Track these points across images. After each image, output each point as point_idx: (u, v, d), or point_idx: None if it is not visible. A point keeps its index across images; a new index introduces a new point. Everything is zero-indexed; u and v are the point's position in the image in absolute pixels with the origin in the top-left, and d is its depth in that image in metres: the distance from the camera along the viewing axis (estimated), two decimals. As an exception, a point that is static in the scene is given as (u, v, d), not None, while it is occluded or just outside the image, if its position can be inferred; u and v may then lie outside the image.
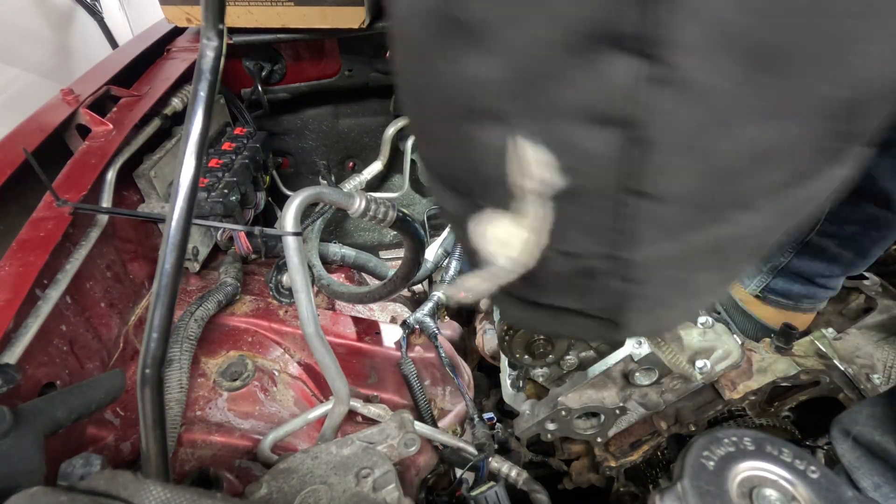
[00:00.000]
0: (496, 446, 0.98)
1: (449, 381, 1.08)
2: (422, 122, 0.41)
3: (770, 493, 0.44)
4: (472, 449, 0.96)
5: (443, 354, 1.05)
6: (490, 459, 0.98)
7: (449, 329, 1.25)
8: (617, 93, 0.28)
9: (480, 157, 0.34)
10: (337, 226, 1.70)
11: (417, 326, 1.09)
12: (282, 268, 1.16)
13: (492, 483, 0.96)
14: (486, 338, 1.28)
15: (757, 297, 1.14)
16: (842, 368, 0.93)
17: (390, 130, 1.47)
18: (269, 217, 1.48)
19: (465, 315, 1.55)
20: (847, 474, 0.66)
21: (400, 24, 0.35)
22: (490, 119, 0.32)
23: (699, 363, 0.90)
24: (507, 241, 0.37)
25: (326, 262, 1.29)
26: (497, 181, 0.34)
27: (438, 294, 1.16)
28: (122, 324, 0.95)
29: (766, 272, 1.11)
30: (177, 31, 1.32)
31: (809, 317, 1.15)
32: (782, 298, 1.11)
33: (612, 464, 1.04)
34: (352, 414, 0.96)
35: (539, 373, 0.99)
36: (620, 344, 0.91)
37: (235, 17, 1.13)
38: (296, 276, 0.71)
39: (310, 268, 1.20)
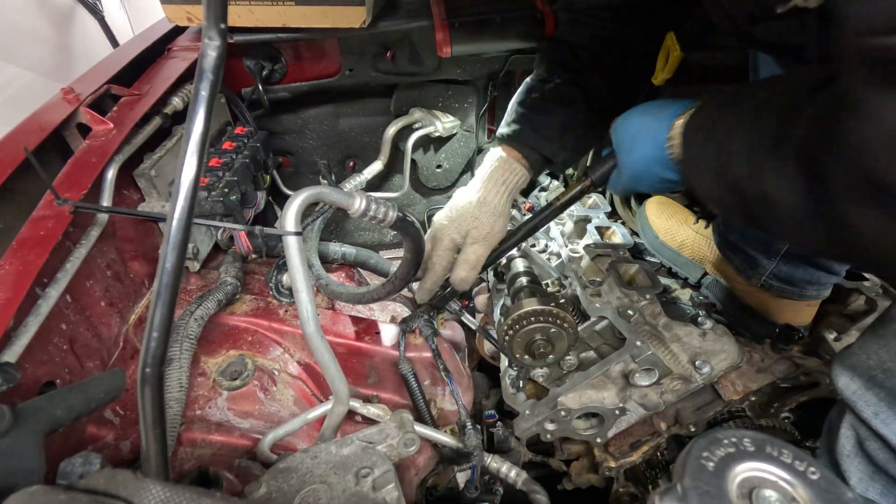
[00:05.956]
0: (488, 457, 0.98)
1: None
2: None
3: (770, 493, 0.44)
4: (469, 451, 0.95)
5: (438, 358, 1.05)
6: (489, 460, 0.98)
7: (449, 330, 1.25)
8: None
9: None
10: (337, 225, 1.70)
11: (416, 326, 1.09)
12: (282, 267, 1.15)
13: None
14: (486, 338, 1.28)
15: (761, 287, 1.13)
16: (842, 369, 0.92)
17: (391, 130, 1.46)
18: (269, 216, 1.48)
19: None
20: (850, 408, 0.67)
21: None
22: None
23: (699, 364, 0.90)
24: None
25: (326, 262, 1.29)
26: None
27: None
28: (122, 323, 0.95)
29: (768, 257, 1.09)
30: (177, 30, 1.32)
31: (813, 308, 1.13)
32: (786, 285, 1.09)
33: (612, 464, 1.04)
34: (352, 414, 0.96)
35: (539, 373, 0.99)
36: (620, 344, 0.91)
37: (236, 16, 1.13)
38: (296, 275, 0.71)
39: (309, 267, 1.20)
